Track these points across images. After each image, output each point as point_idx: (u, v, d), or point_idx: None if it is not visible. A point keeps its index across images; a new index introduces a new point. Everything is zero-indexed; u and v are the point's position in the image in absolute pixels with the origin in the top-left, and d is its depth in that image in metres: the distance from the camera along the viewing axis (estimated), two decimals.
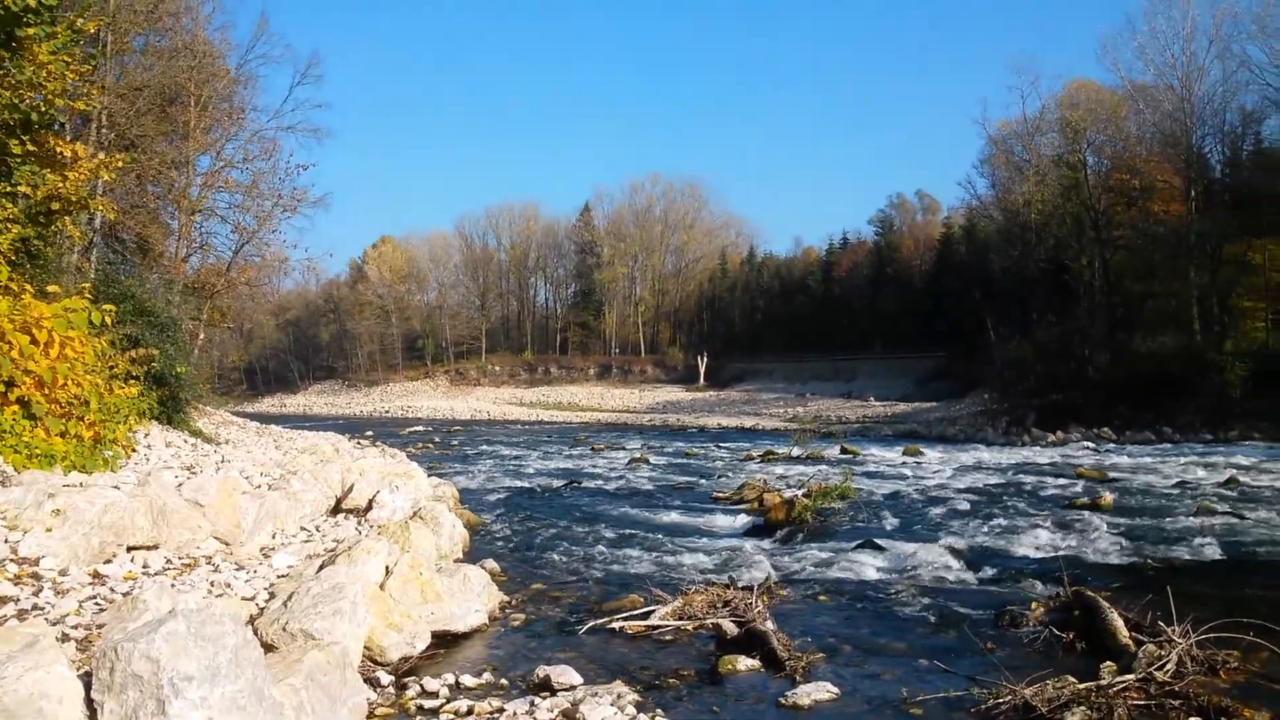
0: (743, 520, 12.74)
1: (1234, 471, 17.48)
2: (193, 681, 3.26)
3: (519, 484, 18.32)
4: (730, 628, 6.46)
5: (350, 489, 10.01)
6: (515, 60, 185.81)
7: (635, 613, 7.07)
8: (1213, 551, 9.89)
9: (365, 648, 5.57)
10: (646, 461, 23.32)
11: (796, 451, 24.37)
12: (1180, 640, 5.68)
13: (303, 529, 8.70)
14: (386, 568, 6.54)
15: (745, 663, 5.94)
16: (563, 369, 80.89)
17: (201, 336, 22.01)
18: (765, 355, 72.32)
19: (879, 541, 10.33)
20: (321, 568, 6.35)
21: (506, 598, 7.75)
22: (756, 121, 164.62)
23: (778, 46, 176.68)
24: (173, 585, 5.65)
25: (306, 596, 5.27)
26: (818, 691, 5.34)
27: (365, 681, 5.02)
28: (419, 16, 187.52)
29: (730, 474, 19.93)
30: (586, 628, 6.82)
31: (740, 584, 7.83)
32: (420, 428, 42.84)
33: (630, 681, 5.54)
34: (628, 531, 11.66)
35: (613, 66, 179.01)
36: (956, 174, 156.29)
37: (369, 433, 33.12)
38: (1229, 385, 30.76)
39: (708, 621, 6.72)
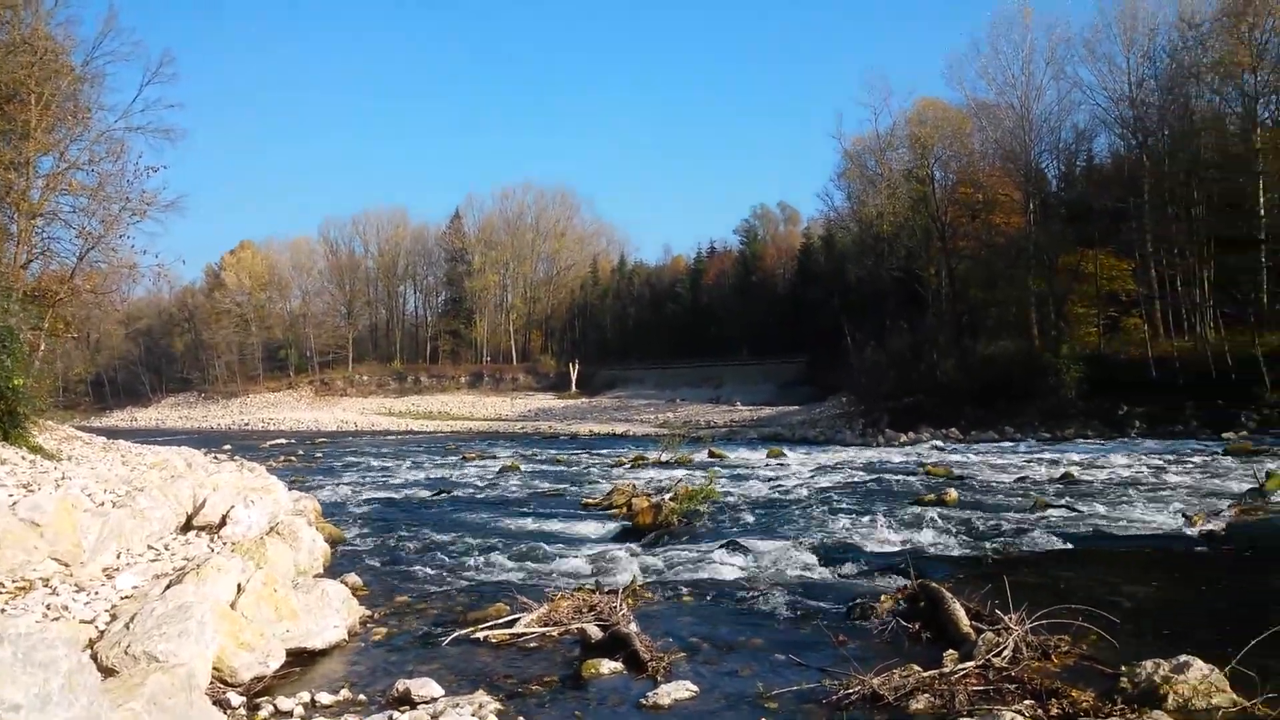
0: (612, 525, 12.85)
1: (1068, 468, 18.72)
2: (20, 710, 3.09)
3: (386, 495, 17.90)
4: (595, 632, 6.53)
5: (203, 505, 9.58)
6: (383, 63, 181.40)
7: (500, 621, 7.05)
8: (1048, 542, 10.56)
9: (215, 669, 5.36)
10: (518, 469, 23.20)
11: (666, 456, 24.71)
12: (1016, 627, 6.02)
13: (150, 548, 8.27)
14: (239, 585, 6.31)
15: (609, 666, 6.02)
16: (433, 378, 79.45)
17: (43, 347, 20.54)
18: (636, 362, 73.08)
19: (741, 541, 10.63)
20: (168, 587, 6.08)
21: (369, 612, 7.59)
22: (626, 131, 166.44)
23: (645, 57, 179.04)
24: (2, 610, 5.30)
25: (150, 618, 5.05)
26: (678, 690, 5.47)
27: (215, 704, 4.83)
28: (280, 13, 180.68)
29: (601, 480, 20.03)
30: (450, 639, 6.75)
31: (606, 588, 7.92)
32: (282, 440, 41.23)
33: (493, 690, 5.53)
34: (496, 540, 11.58)
35: (484, 71, 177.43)
36: (816, 186, 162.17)
37: (227, 446, 31.64)
38: (1065, 387, 32.98)
39: (573, 627, 6.77)
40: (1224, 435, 25.54)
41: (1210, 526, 10.91)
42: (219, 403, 80.00)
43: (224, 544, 8.49)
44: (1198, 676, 5.08)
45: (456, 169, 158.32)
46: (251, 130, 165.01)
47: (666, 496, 13.52)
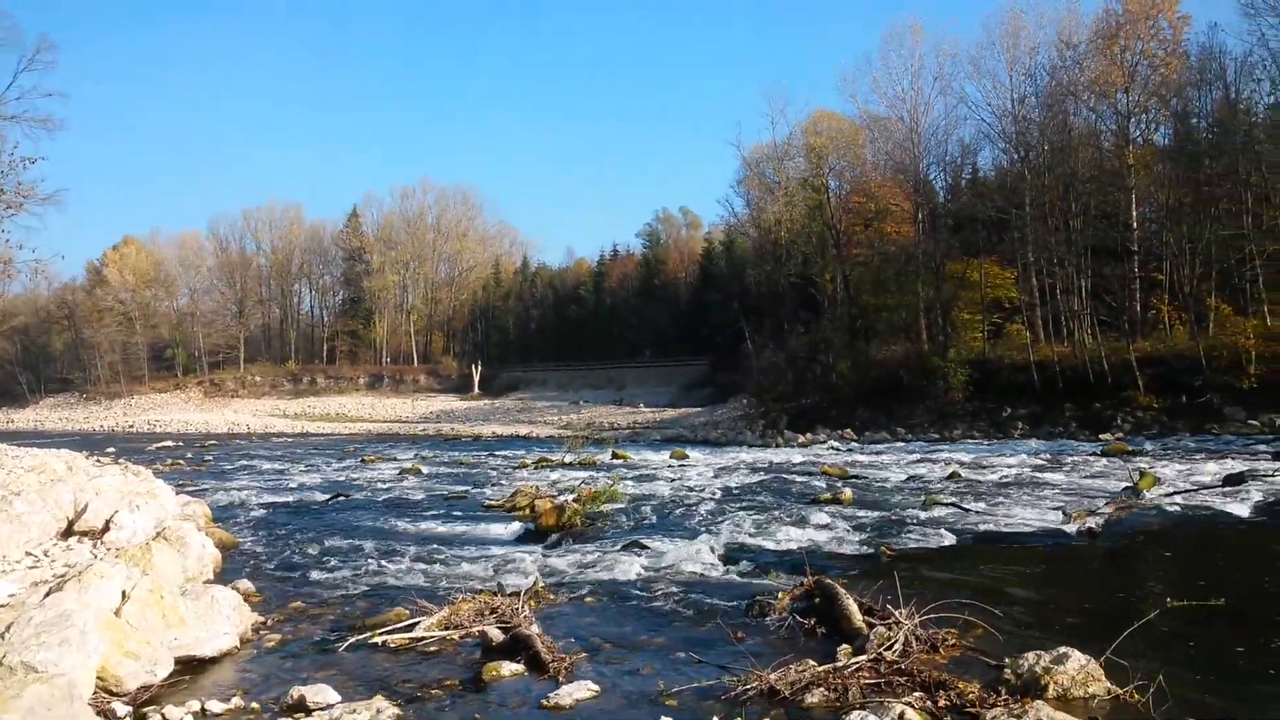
0: (514, 527, 12.80)
1: (956, 467, 19.47)
2: None
3: (280, 499, 17.38)
4: (496, 634, 6.50)
5: (84, 510, 9.15)
6: (279, 56, 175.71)
7: (399, 626, 6.95)
8: (937, 539, 11.01)
9: (99, 678, 5.14)
10: (418, 472, 22.83)
11: (570, 458, 24.70)
12: (906, 621, 6.25)
13: (29, 554, 7.87)
14: (124, 592, 6.05)
15: (510, 668, 6.00)
16: (330, 379, 77.34)
17: None
18: (539, 364, 72.72)
19: (644, 541, 10.74)
20: (48, 595, 5.80)
21: (261, 618, 7.38)
22: (530, 133, 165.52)
23: (550, 60, 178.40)
24: None
25: (28, 626, 4.81)
26: (579, 690, 5.50)
27: (99, 714, 4.66)
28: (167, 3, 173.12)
29: (504, 482, 19.89)
30: (347, 644, 6.63)
31: (508, 590, 7.89)
32: (170, 443, 39.49)
33: (391, 695, 5.45)
34: (396, 544, 11.39)
35: (385, 68, 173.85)
36: (717, 192, 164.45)
37: (110, 450, 30.24)
38: (952, 390, 34.28)
39: (474, 630, 6.73)
40: (1101, 436, 26.94)
41: (1088, 524, 11.50)
42: (102, 404, 76.25)
43: (108, 550, 8.15)
44: (1076, 667, 5.34)
45: (355, 169, 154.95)
46: (135, 121, 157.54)
47: (570, 498, 13.54)
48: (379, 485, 19.98)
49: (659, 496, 16.16)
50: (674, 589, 8.34)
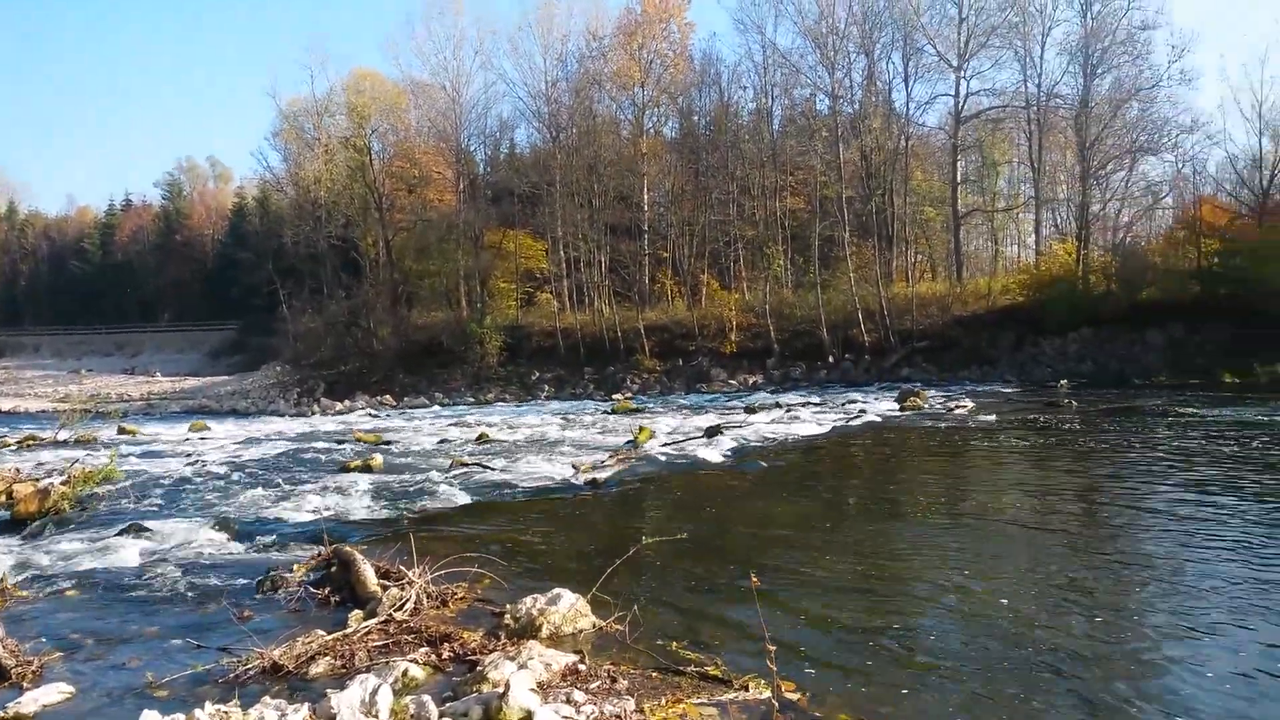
0: None
1: (485, 429, 20.45)
2: None
3: None
4: None
5: None
6: None
7: None
8: (459, 498, 11.49)
9: None
10: None
11: (65, 435, 21.53)
12: (419, 580, 6.46)
13: None
14: None
15: None
16: None
17: None
18: (30, 327, 62.36)
19: (147, 524, 9.83)
20: None
21: None
22: (19, 55, 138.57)
23: None
24: None
25: None
26: (47, 695, 4.93)
27: None
28: None
29: None
30: None
31: None
32: None
33: None
34: None
35: None
36: (251, 144, 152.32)
37: None
38: (488, 355, 35.83)
39: None
40: (614, 396, 29.99)
41: (592, 475, 12.81)
42: None
43: None
44: (566, 605, 5.92)
45: None
46: None
47: (57, 481, 11.86)
48: None
49: (171, 474, 14.78)
50: (177, 572, 7.75)
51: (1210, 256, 31.14)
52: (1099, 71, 35.57)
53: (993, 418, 18.95)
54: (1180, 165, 36.74)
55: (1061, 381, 27.18)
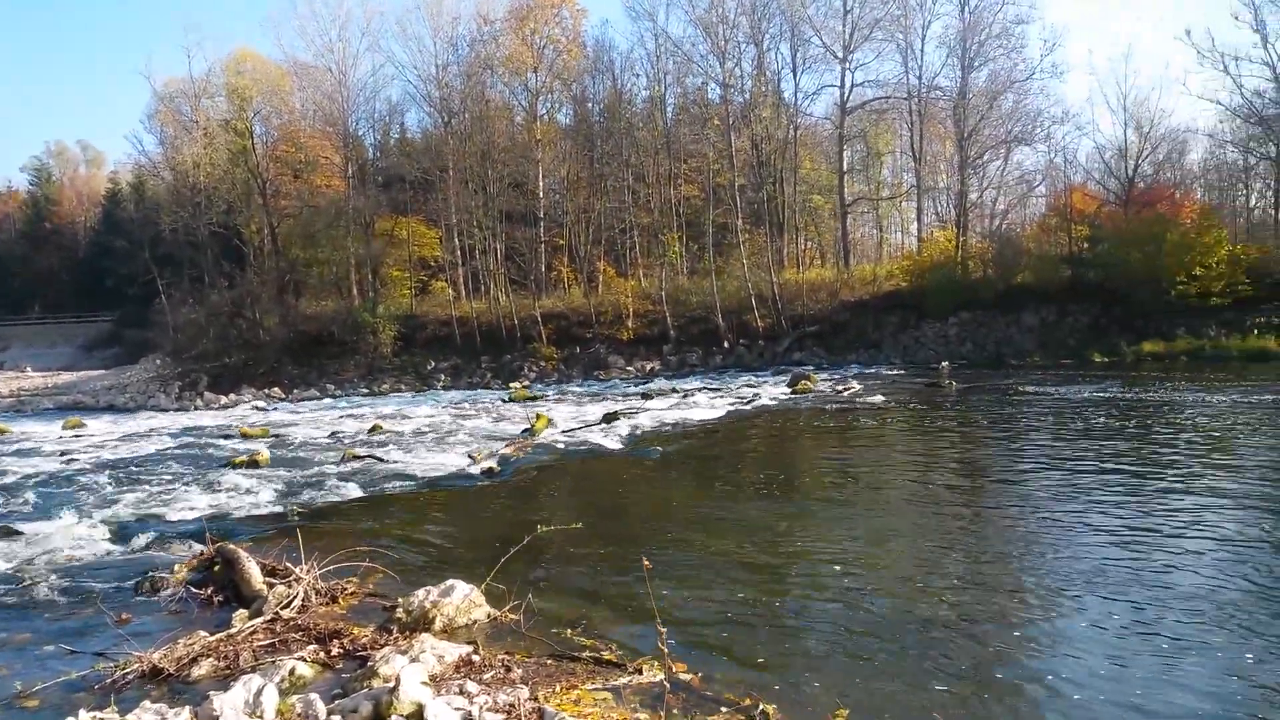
0: None
1: (379, 420, 20.03)
2: None
3: None
4: None
5: None
6: None
7: None
8: (351, 492, 11.26)
9: None
10: None
11: None
12: (307, 577, 6.34)
13: None
14: None
15: None
16: None
17: None
18: None
19: (16, 526, 9.37)
20: None
21: None
22: None
23: None
24: None
25: None
26: None
27: None
28: None
29: None
30: None
31: None
32: None
33: None
34: None
35: None
36: (125, 127, 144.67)
37: None
38: (382, 345, 35.11)
39: None
40: (511, 385, 29.80)
41: (488, 464, 12.74)
42: None
43: None
44: (460, 596, 5.89)
45: None
46: None
47: None
48: None
49: (43, 473, 14.07)
50: (51, 576, 7.41)
51: (1080, 243, 32.88)
52: (976, 64, 37.10)
53: (879, 399, 19.64)
54: (1052, 155, 38.81)
55: (943, 363, 28.30)
